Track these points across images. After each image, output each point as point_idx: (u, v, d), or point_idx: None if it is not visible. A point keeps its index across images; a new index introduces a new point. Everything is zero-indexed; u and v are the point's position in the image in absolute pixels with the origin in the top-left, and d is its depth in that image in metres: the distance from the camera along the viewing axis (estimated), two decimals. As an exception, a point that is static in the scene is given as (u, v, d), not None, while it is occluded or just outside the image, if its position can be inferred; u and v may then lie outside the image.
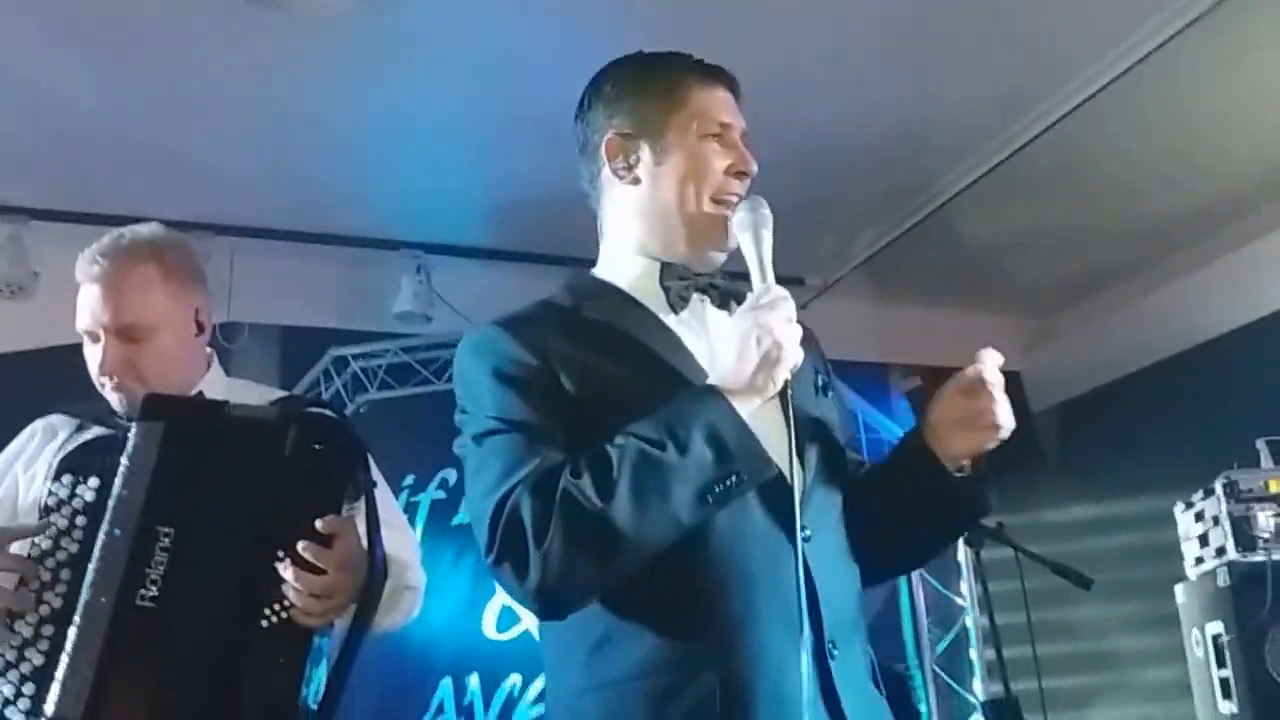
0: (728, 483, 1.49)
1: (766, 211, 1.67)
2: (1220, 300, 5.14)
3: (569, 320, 1.72)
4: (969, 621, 5.22)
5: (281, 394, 2.46)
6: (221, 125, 4.16)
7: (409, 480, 4.74)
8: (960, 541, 4.91)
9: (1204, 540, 4.07)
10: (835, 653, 1.56)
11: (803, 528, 1.53)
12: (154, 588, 1.84)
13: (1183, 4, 3.66)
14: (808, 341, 1.64)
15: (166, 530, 1.88)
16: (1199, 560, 4.12)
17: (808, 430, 1.67)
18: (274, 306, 4.63)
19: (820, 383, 1.79)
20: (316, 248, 4.97)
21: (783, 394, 1.55)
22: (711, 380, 1.56)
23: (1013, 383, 5.42)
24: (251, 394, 2.32)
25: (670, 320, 1.73)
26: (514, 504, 1.51)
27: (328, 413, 2.12)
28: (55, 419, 2.25)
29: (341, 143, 4.35)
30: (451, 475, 4.92)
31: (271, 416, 2.03)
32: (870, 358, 5.91)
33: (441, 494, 4.91)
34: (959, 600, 5.29)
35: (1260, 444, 4.05)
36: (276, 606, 1.86)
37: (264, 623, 1.85)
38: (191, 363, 2.30)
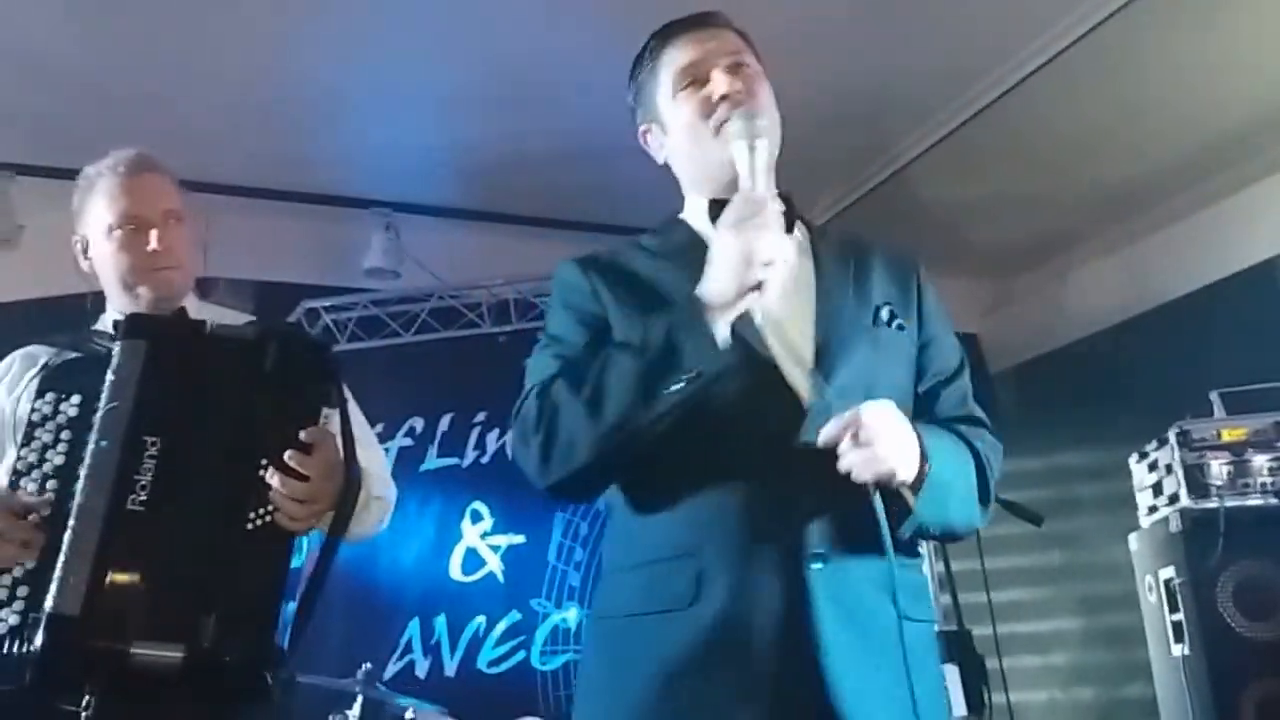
0: (682, 377, 1.57)
1: (763, 121, 1.69)
2: (1175, 264, 5.24)
3: (631, 259, 1.86)
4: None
5: (252, 319, 2.54)
6: (202, 85, 4.20)
7: (378, 428, 4.74)
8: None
9: (1157, 489, 4.14)
10: (821, 563, 1.60)
11: (808, 440, 1.60)
12: (143, 493, 1.91)
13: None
14: (872, 269, 1.84)
15: (153, 440, 1.95)
16: (1152, 509, 4.19)
17: (835, 348, 1.72)
18: (248, 261, 4.65)
19: (888, 314, 1.81)
20: (290, 205, 5.03)
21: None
22: (697, 291, 1.62)
23: (971, 345, 5.52)
24: (225, 317, 2.40)
25: None
26: (525, 405, 1.72)
27: (304, 330, 2.19)
28: (34, 348, 2.31)
29: (316, 103, 4.41)
30: (419, 423, 5.10)
31: (251, 334, 2.11)
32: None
33: (409, 441, 5.08)
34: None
35: (1213, 395, 4.14)
36: (261, 510, 1.94)
37: (249, 525, 1.93)
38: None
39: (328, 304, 4.92)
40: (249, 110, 4.41)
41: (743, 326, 1.63)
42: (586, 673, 1.80)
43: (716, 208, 1.75)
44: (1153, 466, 4.20)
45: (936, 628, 1.75)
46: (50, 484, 1.96)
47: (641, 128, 1.95)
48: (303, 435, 1.97)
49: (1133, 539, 4.34)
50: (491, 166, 4.80)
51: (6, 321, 4.38)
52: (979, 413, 1.90)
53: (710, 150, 1.78)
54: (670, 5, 1.93)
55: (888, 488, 1.60)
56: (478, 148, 4.70)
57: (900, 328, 1.82)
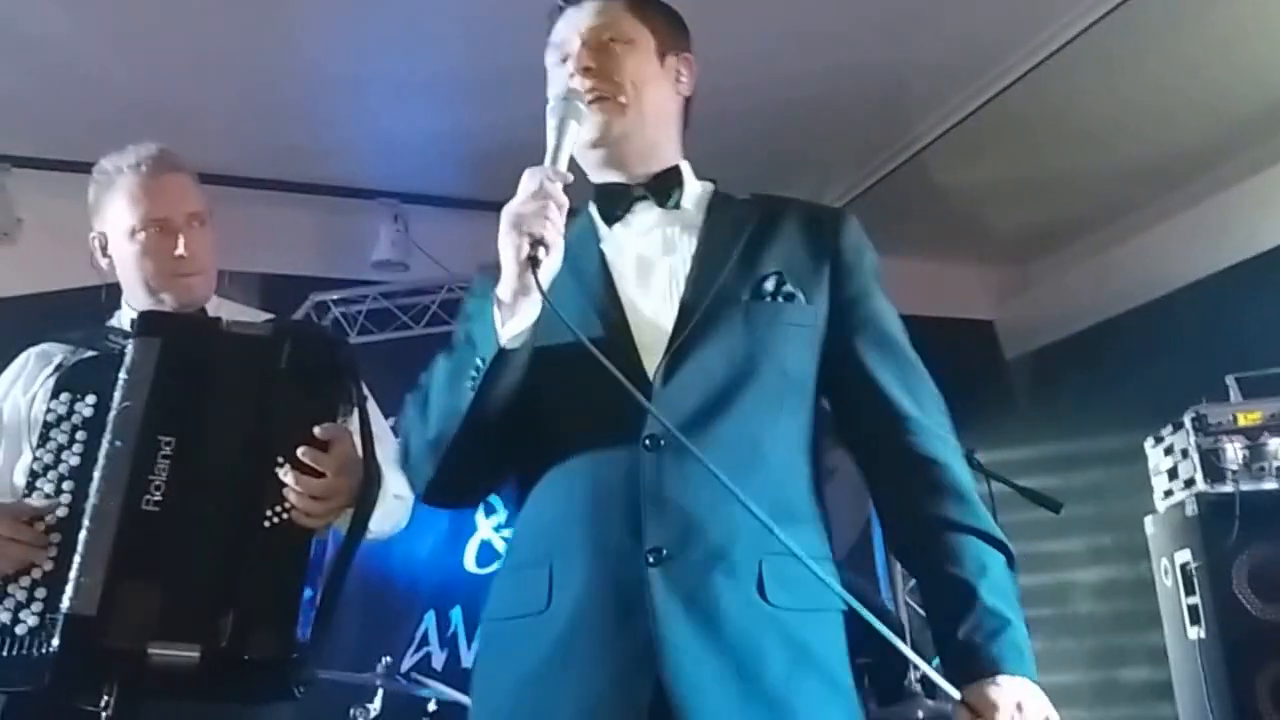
0: (477, 369, 1.54)
1: (580, 106, 1.65)
2: (1191, 248, 5.20)
3: None
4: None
5: (270, 317, 2.52)
6: (203, 76, 4.18)
7: (389, 422, 4.77)
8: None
9: (1173, 473, 4.14)
10: (662, 558, 1.50)
11: (649, 435, 1.54)
12: (158, 493, 1.91)
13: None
14: (775, 236, 1.71)
15: (168, 439, 1.94)
16: (1168, 493, 4.19)
17: (693, 329, 1.62)
18: (256, 254, 4.63)
19: (773, 284, 1.67)
20: (297, 196, 5.01)
21: (534, 271, 1.49)
22: None
23: (986, 331, 5.51)
24: (244, 315, 2.37)
25: (605, 235, 1.76)
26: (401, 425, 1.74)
27: (321, 327, 2.18)
28: (48, 346, 2.29)
29: (321, 94, 4.39)
30: (430, 416, 5.03)
31: (267, 331, 2.10)
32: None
33: (420, 434, 5.02)
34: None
35: (1229, 380, 4.12)
36: (278, 508, 1.93)
37: (266, 524, 1.92)
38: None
39: (336, 297, 4.91)
40: (254, 101, 4.39)
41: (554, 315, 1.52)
42: (473, 674, 1.73)
43: (598, 192, 1.78)
44: (1168, 451, 4.19)
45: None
46: (66, 485, 1.96)
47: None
48: (318, 431, 1.96)
49: (1149, 522, 4.34)
50: (499, 154, 4.70)
51: (6, 316, 4.35)
52: (920, 376, 1.72)
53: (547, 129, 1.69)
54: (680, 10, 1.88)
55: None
56: (484, 135, 4.66)
57: (789, 296, 1.66)
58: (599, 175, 1.78)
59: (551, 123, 1.62)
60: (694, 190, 1.80)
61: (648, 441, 1.55)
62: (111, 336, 2.19)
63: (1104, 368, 5.57)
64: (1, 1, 3.69)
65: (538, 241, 1.48)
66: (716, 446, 1.52)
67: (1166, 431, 4.20)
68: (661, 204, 1.75)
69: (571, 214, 1.57)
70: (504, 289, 1.52)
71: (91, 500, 1.90)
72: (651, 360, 1.60)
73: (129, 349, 2.02)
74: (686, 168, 1.81)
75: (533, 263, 1.47)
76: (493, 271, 1.59)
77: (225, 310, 2.37)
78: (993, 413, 5.24)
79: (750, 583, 1.51)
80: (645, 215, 1.75)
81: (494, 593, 1.69)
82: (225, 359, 2.04)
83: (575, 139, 1.63)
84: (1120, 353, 5.50)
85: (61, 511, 1.94)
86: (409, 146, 4.81)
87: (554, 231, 1.50)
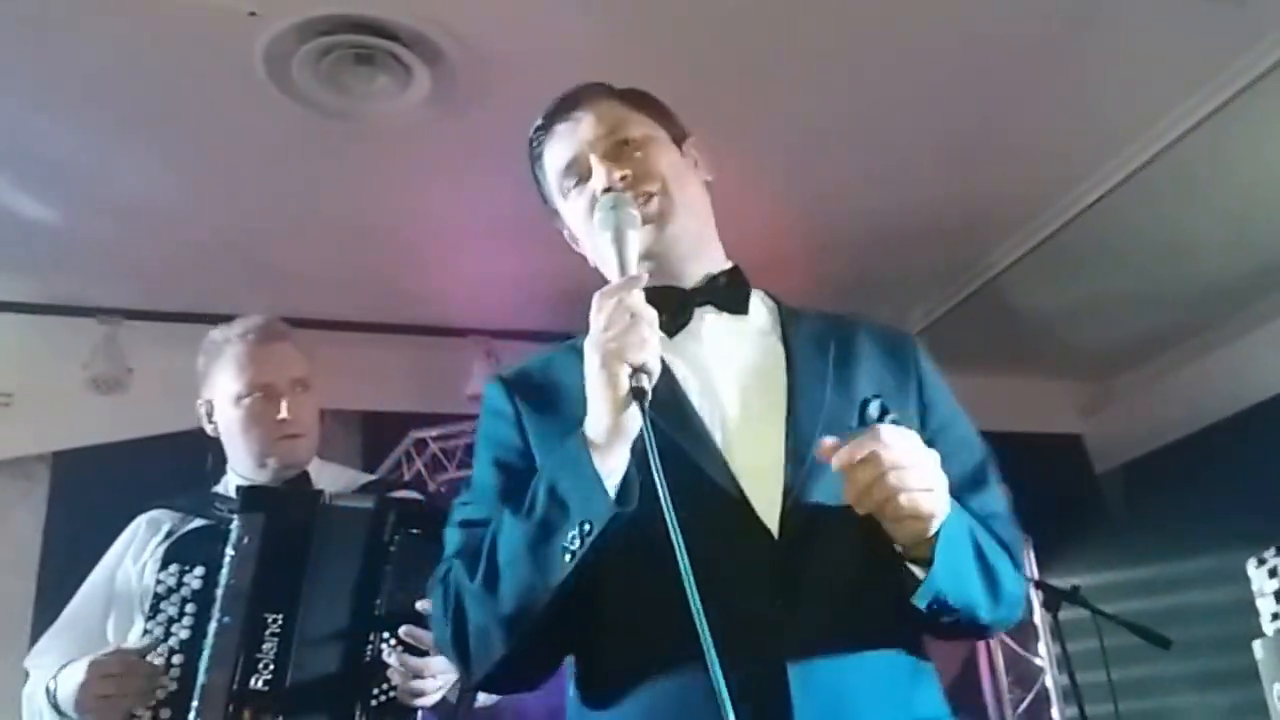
0: (575, 534, 1.30)
1: (633, 211, 1.49)
2: (1277, 359, 5.15)
3: (563, 368, 1.53)
4: (1048, 681, 5.21)
5: (369, 478, 2.58)
6: (300, 229, 4.34)
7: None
8: (1037, 604, 4.93)
9: (1279, 596, 4.06)
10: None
11: (779, 596, 1.34)
12: (266, 671, 1.95)
13: (1227, 76, 3.71)
14: (859, 356, 1.54)
15: (274, 616, 1.99)
16: (1275, 615, 4.09)
17: (812, 461, 1.39)
18: (355, 392, 4.78)
19: (877, 409, 1.49)
20: (393, 337, 5.15)
21: (641, 409, 1.29)
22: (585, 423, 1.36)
23: (1075, 445, 5.41)
24: (344, 478, 2.44)
25: (666, 350, 1.43)
26: (433, 592, 1.48)
27: (421, 499, 2.23)
28: (158, 513, 2.35)
29: (414, 240, 4.52)
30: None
31: (370, 504, 2.13)
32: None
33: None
34: (1037, 660, 5.29)
35: (1327, 493, 4.06)
36: (385, 685, 1.96)
37: (373, 702, 1.95)
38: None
39: (434, 434, 4.99)
40: (350, 250, 4.54)
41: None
42: None
43: (653, 294, 1.46)
44: (1272, 573, 4.09)
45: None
46: (176, 659, 2.01)
47: (559, 227, 1.72)
48: (419, 606, 1.98)
49: (1257, 646, 4.21)
50: (584, 291, 4.86)
51: (119, 460, 4.49)
52: (1004, 521, 1.54)
53: (600, 246, 1.51)
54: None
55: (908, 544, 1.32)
56: (569, 274, 4.72)
57: (895, 423, 1.41)
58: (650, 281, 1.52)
59: (605, 237, 1.46)
60: (754, 296, 1.63)
61: (780, 602, 1.34)
62: (218, 504, 2.26)
63: (1196, 479, 5.45)
64: (108, 165, 3.86)
65: (639, 369, 1.29)
66: (851, 602, 1.38)
67: (1269, 554, 4.11)
68: (730, 311, 1.57)
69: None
70: (596, 429, 1.32)
71: (200, 679, 1.94)
72: (763, 499, 1.39)
73: (234, 525, 2.07)
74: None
75: (638, 395, 1.28)
76: (509, 378, 1.53)
77: (327, 473, 2.43)
78: (1088, 528, 5.17)
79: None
80: (714, 325, 1.56)
81: None
82: (329, 535, 2.08)
83: (637, 246, 1.47)
84: (1212, 464, 5.39)
85: (172, 686, 1.98)
86: (498, 286, 4.91)
87: (654, 354, 1.31)
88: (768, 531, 1.37)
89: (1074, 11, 3.43)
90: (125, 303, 4.71)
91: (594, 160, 1.57)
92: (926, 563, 1.32)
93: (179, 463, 2.62)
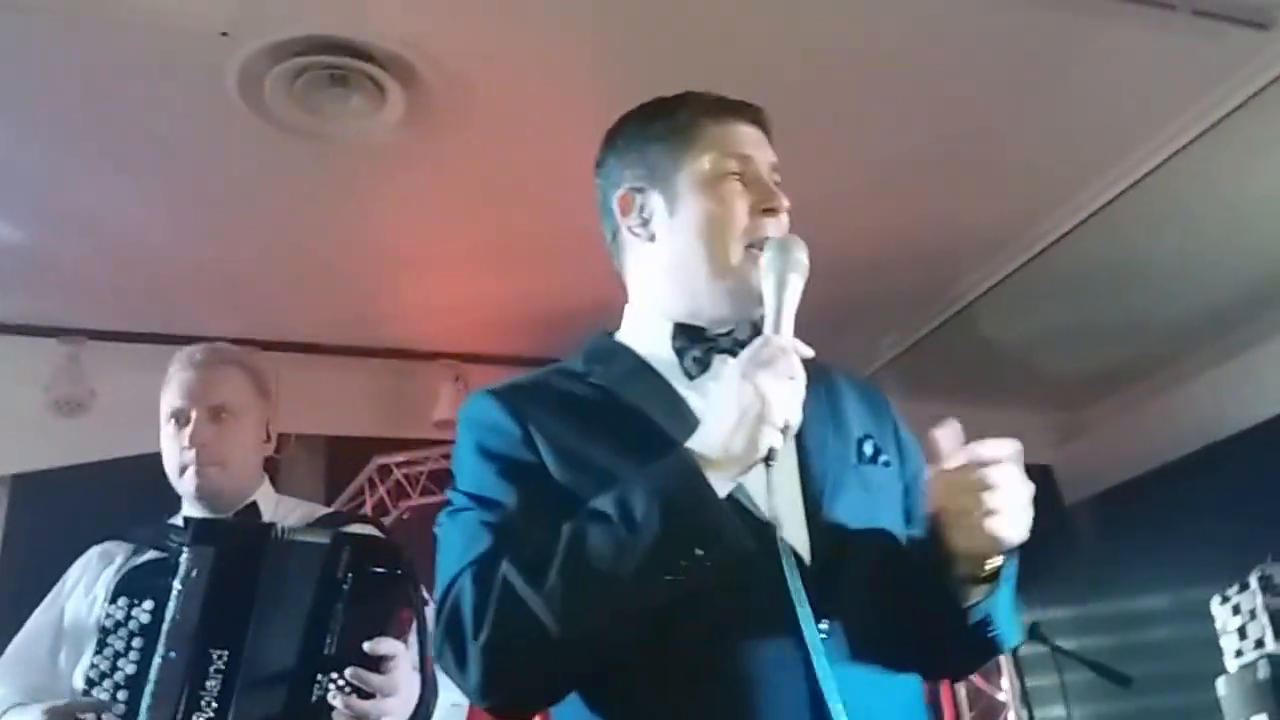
0: (685, 560, 1.27)
1: (801, 256, 1.44)
2: (1249, 392, 5.16)
3: (569, 388, 1.55)
4: (1011, 717, 5.21)
5: (325, 511, 2.54)
6: (266, 249, 4.30)
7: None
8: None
9: (1242, 633, 4.07)
10: None
11: (819, 620, 1.33)
12: (209, 709, 1.91)
13: (1201, 110, 3.73)
14: (843, 400, 1.58)
15: (220, 652, 1.95)
16: (1239, 653, 4.11)
17: (827, 494, 1.45)
18: (319, 417, 4.74)
19: (870, 449, 1.55)
20: (359, 360, 5.10)
21: (766, 461, 1.31)
22: (689, 444, 1.34)
23: (1044, 476, 5.44)
24: (300, 510, 2.42)
25: (684, 388, 1.52)
26: (457, 592, 1.36)
27: (380, 535, 2.20)
28: (110, 545, 2.33)
29: (380, 262, 4.49)
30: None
31: (324, 539, 2.07)
32: (898, 455, 5.90)
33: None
34: (1000, 695, 5.29)
35: (1294, 533, 4.07)
36: (330, 726, 1.91)
37: (316, 746, 1.90)
38: (257, 465, 2.43)
39: (399, 460, 4.97)
40: (317, 273, 4.50)
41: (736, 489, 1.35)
42: None
43: (683, 335, 1.54)
44: (1236, 610, 4.12)
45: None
46: (121, 694, 1.97)
47: (625, 188, 1.62)
48: (368, 648, 1.93)
49: (1220, 684, 4.23)
50: (555, 316, 4.85)
51: (80, 483, 4.45)
52: None
53: (727, 263, 1.50)
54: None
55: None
56: (540, 298, 4.73)
57: (886, 464, 1.55)
58: (685, 317, 1.56)
59: (771, 278, 1.43)
60: None
61: (822, 626, 1.34)
62: (173, 536, 2.19)
63: (1165, 513, 5.45)
64: (74, 183, 3.82)
65: (785, 429, 1.31)
66: (877, 625, 1.41)
67: (1233, 591, 4.12)
68: (734, 354, 1.49)
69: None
70: (720, 474, 1.30)
71: (142, 717, 1.91)
72: (792, 525, 1.41)
73: (182, 559, 2.03)
74: None
75: (770, 455, 1.30)
76: (501, 392, 1.50)
77: (283, 507, 2.41)
78: (1056, 561, 5.15)
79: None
80: (723, 368, 1.51)
81: None
82: (281, 570, 2.03)
83: (798, 293, 1.43)
84: (1181, 497, 5.38)
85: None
86: (468, 309, 4.90)
87: (797, 416, 1.33)
88: (800, 558, 1.39)
89: (1049, 44, 3.44)
90: (88, 323, 4.65)
91: (766, 175, 1.58)
92: (973, 580, 1.41)
93: (141, 487, 2.59)
